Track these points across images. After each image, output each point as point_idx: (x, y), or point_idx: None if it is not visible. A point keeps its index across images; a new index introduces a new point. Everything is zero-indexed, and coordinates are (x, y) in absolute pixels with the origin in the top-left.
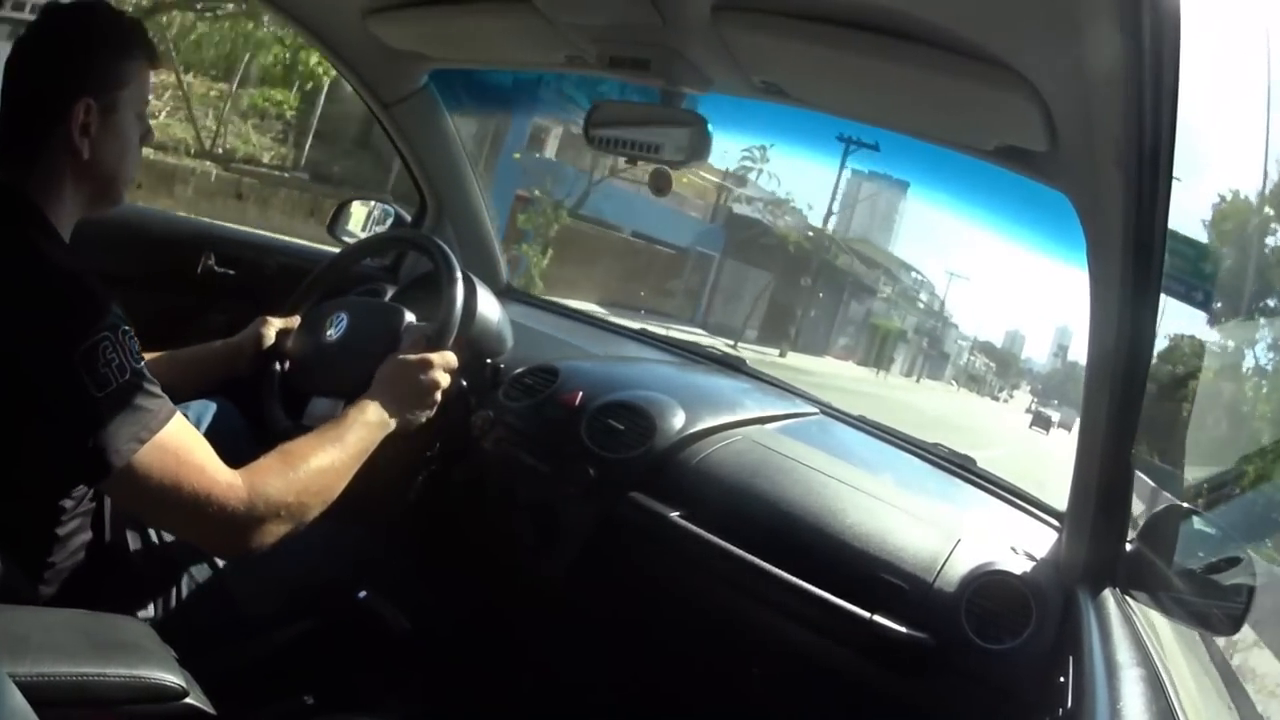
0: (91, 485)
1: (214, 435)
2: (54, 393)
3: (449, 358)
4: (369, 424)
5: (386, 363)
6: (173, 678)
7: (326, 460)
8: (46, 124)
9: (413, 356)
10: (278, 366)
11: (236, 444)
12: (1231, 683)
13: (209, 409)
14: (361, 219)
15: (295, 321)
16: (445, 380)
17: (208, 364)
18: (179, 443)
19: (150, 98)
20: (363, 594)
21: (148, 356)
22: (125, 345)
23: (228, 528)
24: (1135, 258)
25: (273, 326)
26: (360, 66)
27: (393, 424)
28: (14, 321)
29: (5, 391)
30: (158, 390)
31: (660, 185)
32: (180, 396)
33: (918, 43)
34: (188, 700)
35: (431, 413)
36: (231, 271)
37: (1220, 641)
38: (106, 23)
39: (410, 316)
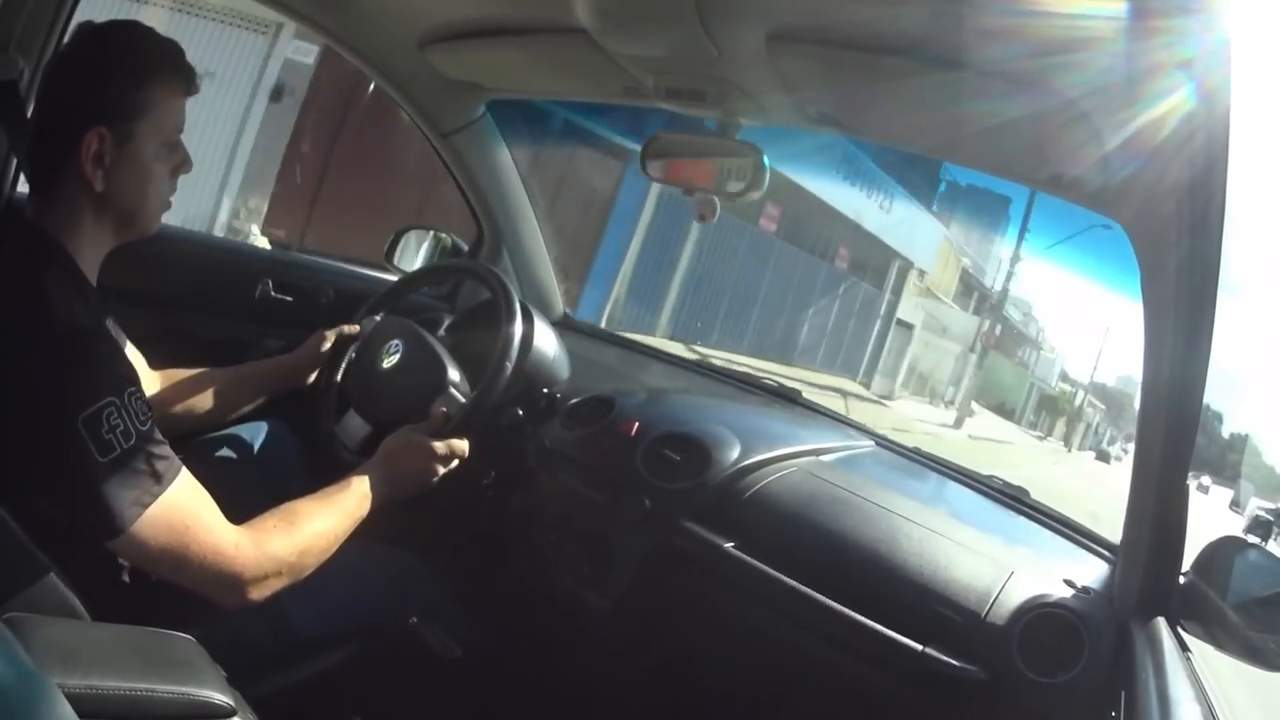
0: (102, 543)
1: (266, 456)
2: (57, 456)
3: (458, 447)
4: (365, 495)
5: (398, 435)
6: (222, 696)
7: (326, 524)
8: (61, 155)
9: (423, 440)
10: (339, 376)
11: (287, 464)
12: None
13: (260, 430)
14: (419, 247)
15: (355, 329)
16: (446, 468)
17: (267, 378)
18: (184, 504)
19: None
20: (413, 619)
21: (205, 372)
22: (132, 408)
23: (234, 584)
24: (1190, 287)
25: (328, 339)
26: (417, 96)
27: (386, 496)
28: (20, 379)
29: (10, 448)
30: (164, 451)
31: (704, 213)
32: (237, 410)
33: (972, 74)
34: (236, 719)
35: (428, 488)
36: (289, 298)
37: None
38: (125, 46)
39: (454, 375)
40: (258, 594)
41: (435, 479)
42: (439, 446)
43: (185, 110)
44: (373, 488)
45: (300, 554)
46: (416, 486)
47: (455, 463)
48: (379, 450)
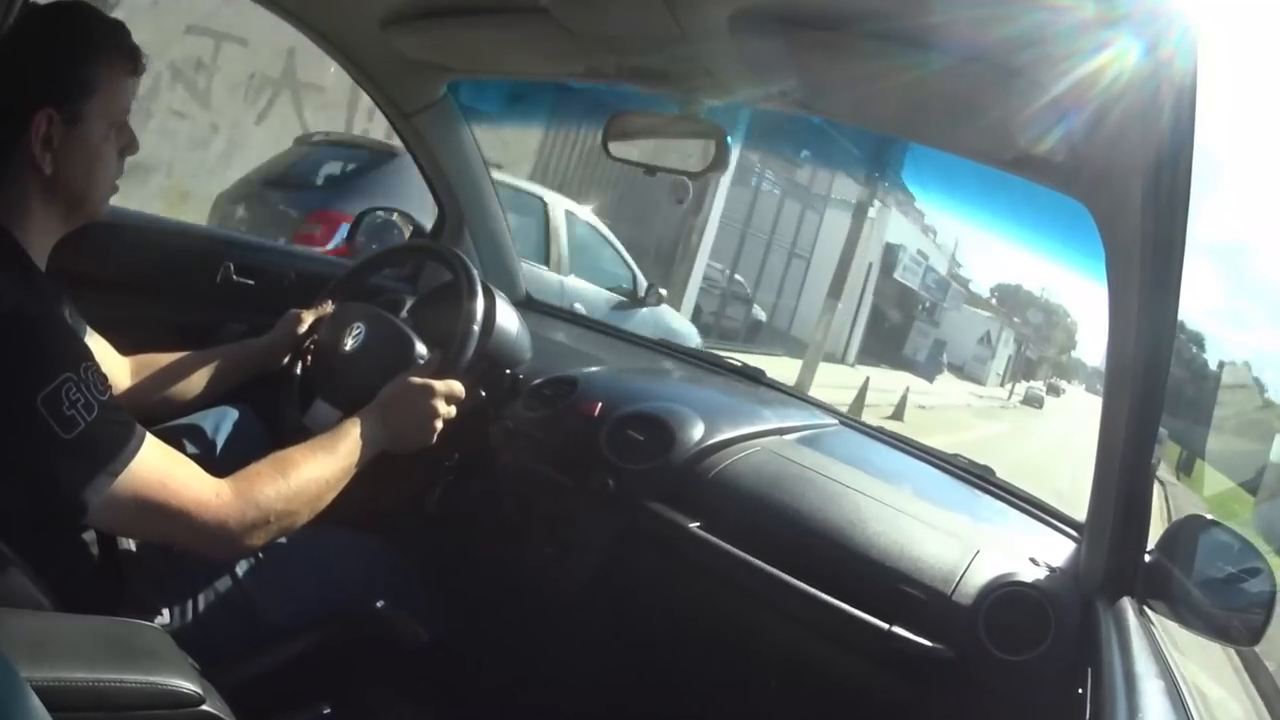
0: (76, 519)
1: (234, 441)
2: (21, 439)
3: (455, 387)
4: (360, 441)
5: (393, 383)
6: (189, 685)
7: (318, 470)
8: (7, 138)
9: (419, 381)
10: (300, 366)
11: (255, 451)
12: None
13: (229, 416)
14: (380, 229)
15: (328, 308)
16: (447, 411)
17: (242, 361)
18: (156, 463)
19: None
20: (380, 604)
21: (178, 356)
22: (90, 381)
23: (221, 534)
24: (1154, 266)
25: (305, 321)
26: (379, 77)
27: (385, 445)
28: None
29: None
30: (125, 418)
31: (680, 195)
32: (212, 395)
33: (936, 53)
34: (204, 708)
35: (430, 441)
36: (251, 282)
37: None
38: (71, 26)
39: (421, 349)
40: (249, 542)
41: (437, 420)
42: (438, 385)
43: (133, 91)
44: (369, 434)
45: (289, 500)
46: (420, 432)
47: (453, 409)
48: (377, 398)
